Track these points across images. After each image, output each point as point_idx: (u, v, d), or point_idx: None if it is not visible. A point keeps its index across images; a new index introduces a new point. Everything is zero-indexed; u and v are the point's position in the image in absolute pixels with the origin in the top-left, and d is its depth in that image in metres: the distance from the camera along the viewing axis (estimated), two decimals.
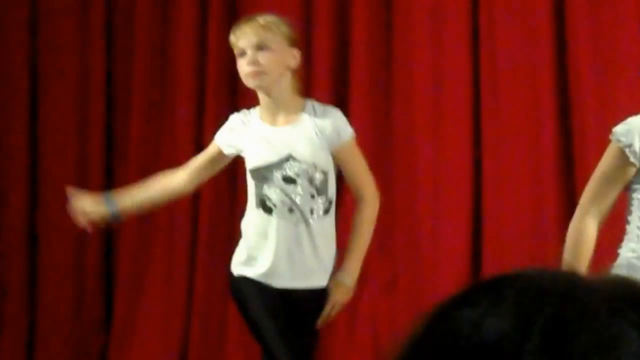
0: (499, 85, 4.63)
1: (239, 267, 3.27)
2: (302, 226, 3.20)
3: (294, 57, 3.25)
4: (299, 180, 3.20)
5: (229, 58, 4.14)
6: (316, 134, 3.20)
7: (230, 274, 3.30)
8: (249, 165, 3.27)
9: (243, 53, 3.22)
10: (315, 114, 3.23)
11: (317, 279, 3.23)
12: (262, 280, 3.21)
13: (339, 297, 3.28)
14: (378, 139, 4.79)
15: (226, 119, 4.88)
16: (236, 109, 4.63)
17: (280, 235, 3.20)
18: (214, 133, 4.79)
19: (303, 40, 4.38)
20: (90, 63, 5.05)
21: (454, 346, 0.69)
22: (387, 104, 4.78)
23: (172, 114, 5.00)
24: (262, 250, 3.22)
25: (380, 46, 4.76)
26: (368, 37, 4.81)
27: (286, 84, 3.23)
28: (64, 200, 4.90)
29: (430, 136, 4.67)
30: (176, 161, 4.82)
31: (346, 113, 4.36)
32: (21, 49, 5.05)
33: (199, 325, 4.81)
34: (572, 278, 0.71)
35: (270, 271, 3.20)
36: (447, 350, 0.69)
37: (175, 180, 3.44)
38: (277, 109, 3.25)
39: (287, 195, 3.19)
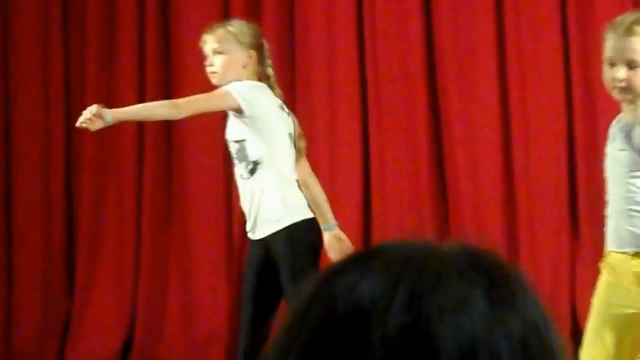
0: (382, 89, 5.20)
1: None
2: (240, 189, 3.65)
3: (248, 57, 3.66)
4: (232, 154, 3.66)
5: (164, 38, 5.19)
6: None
7: None
8: None
9: (206, 56, 3.69)
10: None
11: (262, 230, 3.59)
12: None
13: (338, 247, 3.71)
14: None
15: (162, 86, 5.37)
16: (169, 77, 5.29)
17: (241, 198, 3.68)
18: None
19: None
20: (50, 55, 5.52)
21: (334, 307, 0.73)
22: (291, 102, 5.08)
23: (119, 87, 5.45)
24: None
25: (285, 53, 5.23)
26: (275, 43, 5.01)
27: (245, 79, 3.63)
28: (33, 182, 5.47)
29: (327, 130, 5.22)
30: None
31: None
32: None
33: (145, 292, 5.36)
34: (428, 248, 0.76)
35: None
36: (328, 310, 0.74)
37: None
38: None
39: None
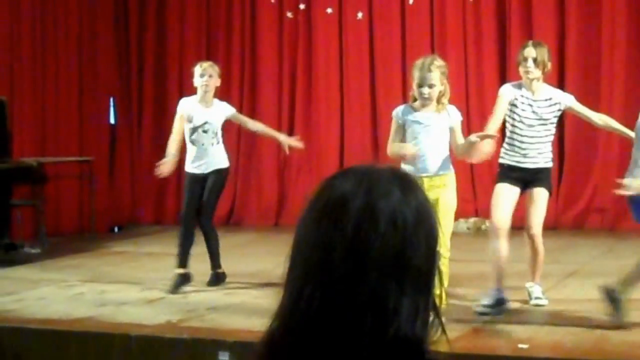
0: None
1: None
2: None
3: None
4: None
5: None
6: None
7: None
8: None
9: None
10: None
11: None
12: None
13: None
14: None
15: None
16: None
17: None
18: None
19: None
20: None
21: (330, 193, 1.27)
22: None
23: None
24: None
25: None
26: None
27: None
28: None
29: None
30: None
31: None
32: None
33: None
34: (374, 167, 1.30)
35: None
36: (328, 194, 1.27)
37: None
38: None
39: None
